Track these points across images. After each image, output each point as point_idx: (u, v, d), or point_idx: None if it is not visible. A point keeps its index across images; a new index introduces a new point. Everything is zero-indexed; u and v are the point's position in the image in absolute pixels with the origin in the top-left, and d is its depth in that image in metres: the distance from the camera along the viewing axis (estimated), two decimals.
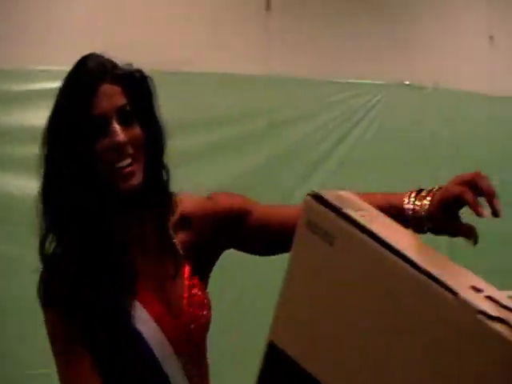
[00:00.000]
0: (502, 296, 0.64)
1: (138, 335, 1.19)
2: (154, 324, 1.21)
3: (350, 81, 3.42)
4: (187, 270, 1.27)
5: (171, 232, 1.27)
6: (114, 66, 1.22)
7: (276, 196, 2.96)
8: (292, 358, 0.70)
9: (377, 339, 0.66)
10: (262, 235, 1.28)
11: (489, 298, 0.63)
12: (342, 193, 0.74)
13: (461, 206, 0.96)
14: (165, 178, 1.27)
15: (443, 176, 3.44)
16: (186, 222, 1.28)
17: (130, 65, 1.24)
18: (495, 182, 0.95)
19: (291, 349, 0.71)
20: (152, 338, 1.20)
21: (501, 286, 0.68)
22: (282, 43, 3.54)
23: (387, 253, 0.66)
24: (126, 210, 1.24)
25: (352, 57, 3.62)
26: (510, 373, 0.59)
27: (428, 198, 1.00)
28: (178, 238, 1.27)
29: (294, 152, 3.13)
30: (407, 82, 3.46)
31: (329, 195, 0.71)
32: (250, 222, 1.27)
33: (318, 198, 0.71)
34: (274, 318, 0.72)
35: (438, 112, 3.44)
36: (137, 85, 1.23)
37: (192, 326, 1.24)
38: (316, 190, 0.72)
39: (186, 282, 1.26)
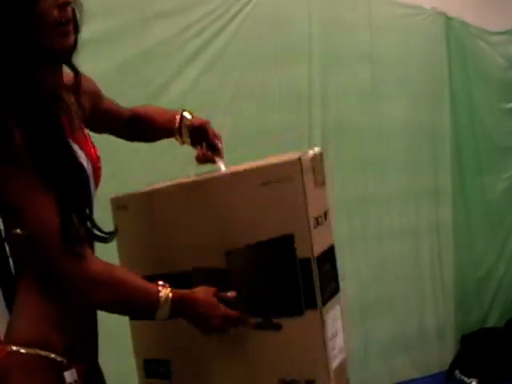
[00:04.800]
0: None
1: (82, 168, 1.30)
2: (89, 163, 1.35)
3: None
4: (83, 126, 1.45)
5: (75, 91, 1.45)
6: None
7: (148, 92, 2.89)
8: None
9: None
10: (99, 117, 1.63)
11: None
12: None
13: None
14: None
15: (317, 70, 3.48)
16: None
17: None
18: None
19: None
20: (90, 174, 1.34)
21: None
22: None
23: None
24: (52, 69, 1.33)
25: None
26: None
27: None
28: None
29: (166, 47, 2.98)
30: None
31: None
32: (99, 105, 1.63)
33: None
34: None
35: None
36: None
37: (99, 173, 1.41)
38: None
39: (88, 136, 1.44)
